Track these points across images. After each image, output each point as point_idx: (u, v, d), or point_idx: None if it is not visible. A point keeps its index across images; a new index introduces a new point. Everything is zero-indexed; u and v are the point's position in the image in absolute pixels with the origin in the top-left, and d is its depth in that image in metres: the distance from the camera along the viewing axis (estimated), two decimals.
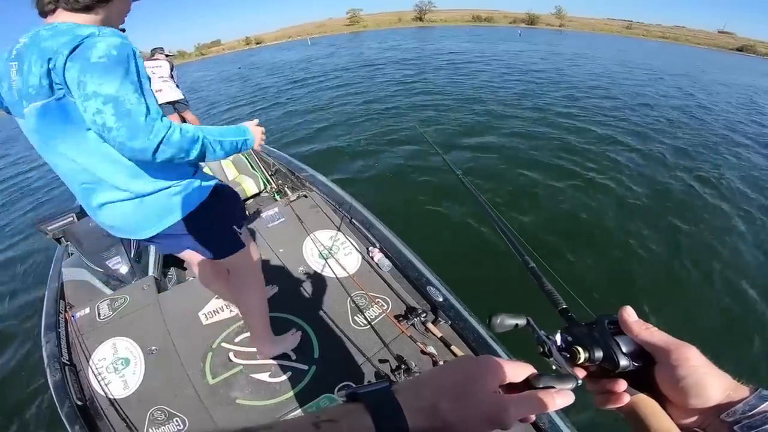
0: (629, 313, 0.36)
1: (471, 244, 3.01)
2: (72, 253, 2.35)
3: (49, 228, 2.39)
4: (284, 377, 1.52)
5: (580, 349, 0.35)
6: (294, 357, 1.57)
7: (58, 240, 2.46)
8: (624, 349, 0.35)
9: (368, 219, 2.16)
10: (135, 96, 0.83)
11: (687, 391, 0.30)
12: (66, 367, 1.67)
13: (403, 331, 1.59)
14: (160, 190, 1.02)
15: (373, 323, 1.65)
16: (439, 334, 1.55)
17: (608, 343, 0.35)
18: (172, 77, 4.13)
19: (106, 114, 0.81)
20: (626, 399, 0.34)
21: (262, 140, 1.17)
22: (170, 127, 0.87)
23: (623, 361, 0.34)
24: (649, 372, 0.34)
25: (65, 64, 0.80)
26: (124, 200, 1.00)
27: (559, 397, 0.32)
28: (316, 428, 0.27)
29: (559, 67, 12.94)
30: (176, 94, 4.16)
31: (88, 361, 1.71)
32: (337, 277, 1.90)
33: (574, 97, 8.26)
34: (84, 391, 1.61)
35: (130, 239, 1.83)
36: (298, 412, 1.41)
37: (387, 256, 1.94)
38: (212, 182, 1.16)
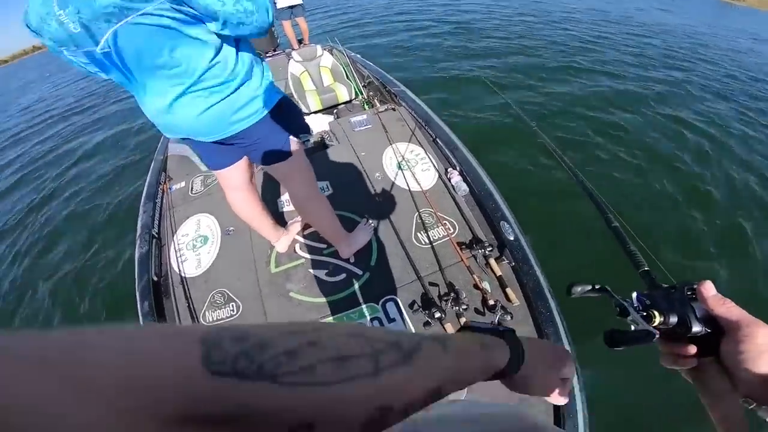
0: (707, 288, 0.37)
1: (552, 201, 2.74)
2: None
3: None
4: (339, 278, 1.57)
5: (656, 313, 0.38)
6: (353, 260, 1.61)
7: None
8: (698, 315, 0.37)
9: (452, 140, 2.04)
10: None
11: (743, 364, 0.33)
12: (153, 240, 1.80)
13: (462, 260, 1.53)
14: (245, 83, 1.08)
15: (434, 244, 1.62)
16: (499, 273, 1.47)
17: (684, 309, 0.37)
18: None
19: (243, 2, 0.91)
20: (694, 362, 0.37)
21: None
22: None
23: (696, 327, 0.36)
24: (716, 339, 0.36)
25: None
26: (216, 98, 1.05)
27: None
28: (482, 348, 0.38)
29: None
30: (298, 0, 4.32)
31: (173, 236, 1.84)
32: (410, 190, 1.87)
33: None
34: (162, 266, 1.73)
35: None
36: (342, 315, 1.45)
37: (465, 180, 1.83)
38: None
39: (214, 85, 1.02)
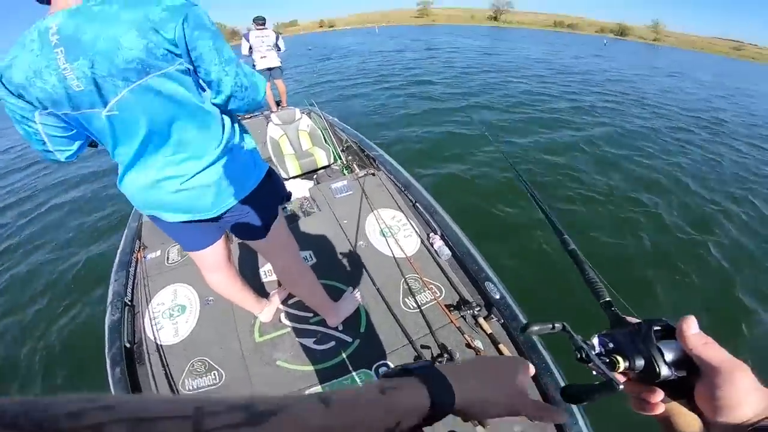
0: (689, 324, 0.33)
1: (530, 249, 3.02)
2: None
3: None
4: (328, 345, 1.54)
5: (619, 359, 0.35)
6: (341, 328, 1.60)
7: None
8: (667, 358, 0.33)
9: (432, 204, 2.15)
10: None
11: (721, 410, 0.30)
12: (126, 308, 1.72)
13: (452, 321, 1.57)
14: (241, 150, 1.03)
15: (422, 308, 1.65)
16: (489, 331, 1.51)
17: (651, 352, 0.34)
18: (277, 46, 4.55)
19: (241, 76, 0.89)
20: (661, 409, 0.34)
21: None
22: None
23: (664, 371, 0.33)
24: (690, 381, 0.33)
25: (184, 31, 0.77)
26: (210, 168, 0.97)
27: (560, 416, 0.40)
28: (381, 393, 0.33)
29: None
30: (277, 62, 4.58)
31: (147, 304, 1.77)
32: (394, 257, 1.92)
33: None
34: (135, 333, 1.66)
35: None
36: (334, 382, 1.42)
37: (447, 245, 1.92)
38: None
39: (222, 154, 0.97)
